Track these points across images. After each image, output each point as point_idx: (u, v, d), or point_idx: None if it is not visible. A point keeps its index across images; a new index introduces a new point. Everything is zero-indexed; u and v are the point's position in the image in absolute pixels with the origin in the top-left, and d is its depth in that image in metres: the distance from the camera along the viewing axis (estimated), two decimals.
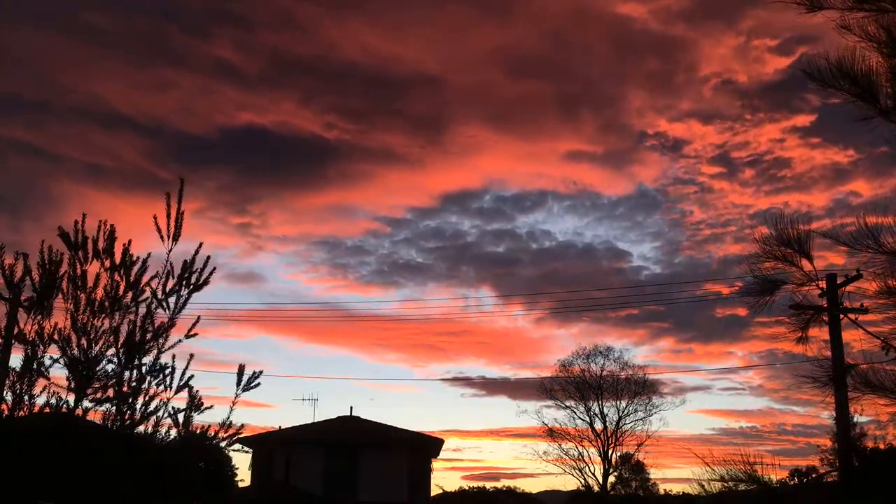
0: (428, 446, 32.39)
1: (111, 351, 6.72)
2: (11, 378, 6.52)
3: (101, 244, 6.78)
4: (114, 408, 6.68)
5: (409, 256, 61.37)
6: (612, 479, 45.01)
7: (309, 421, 32.89)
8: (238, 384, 7.15)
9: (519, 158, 61.56)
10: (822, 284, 13.18)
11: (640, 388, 44.09)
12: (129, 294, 6.83)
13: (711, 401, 76.22)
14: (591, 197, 60.76)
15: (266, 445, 29.44)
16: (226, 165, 57.45)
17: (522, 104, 56.00)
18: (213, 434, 6.97)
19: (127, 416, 6.68)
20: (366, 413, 39.83)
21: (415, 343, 61.27)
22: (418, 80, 52.76)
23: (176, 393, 6.82)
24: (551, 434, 44.96)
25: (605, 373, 44.79)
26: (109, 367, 6.72)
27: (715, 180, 56.57)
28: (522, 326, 59.91)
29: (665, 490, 45.76)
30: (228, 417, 7.05)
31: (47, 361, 6.60)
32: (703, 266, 59.51)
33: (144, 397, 6.73)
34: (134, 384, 6.72)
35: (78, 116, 50.08)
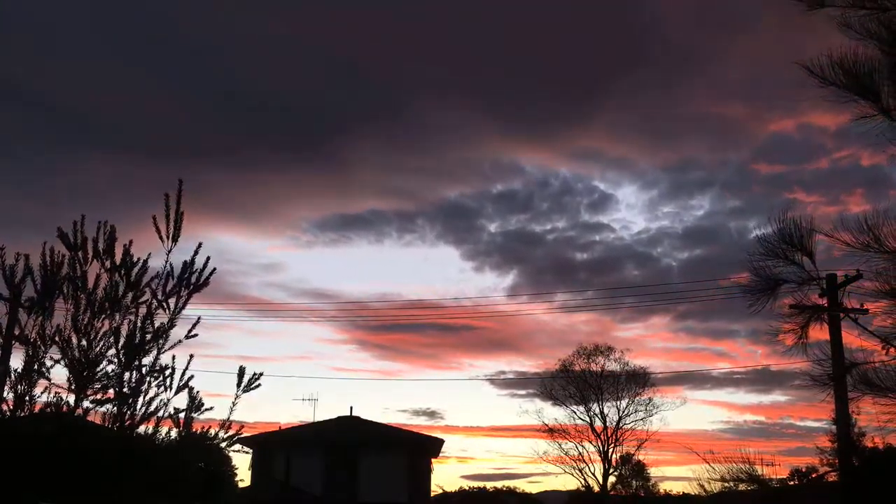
0: (428, 446, 32.38)
1: (111, 351, 6.70)
2: (12, 379, 6.51)
3: (100, 245, 6.76)
4: (114, 408, 6.66)
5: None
6: (612, 479, 45.04)
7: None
8: (238, 385, 7.13)
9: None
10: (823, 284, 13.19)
11: (640, 385, 44.01)
12: (130, 295, 6.81)
13: (712, 391, 71.70)
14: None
15: (266, 445, 29.43)
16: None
17: None
18: (213, 434, 6.96)
19: (127, 417, 6.66)
20: (363, 413, 39.80)
21: (380, 326, 56.23)
22: None
23: (176, 393, 6.80)
24: (550, 432, 44.99)
25: (605, 373, 44.79)
26: (110, 367, 6.70)
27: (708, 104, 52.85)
28: (498, 301, 56.38)
29: (665, 490, 45.80)
30: (228, 418, 7.04)
31: (48, 362, 6.59)
32: (696, 217, 56.80)
33: (144, 398, 6.72)
34: (134, 385, 6.70)
35: None
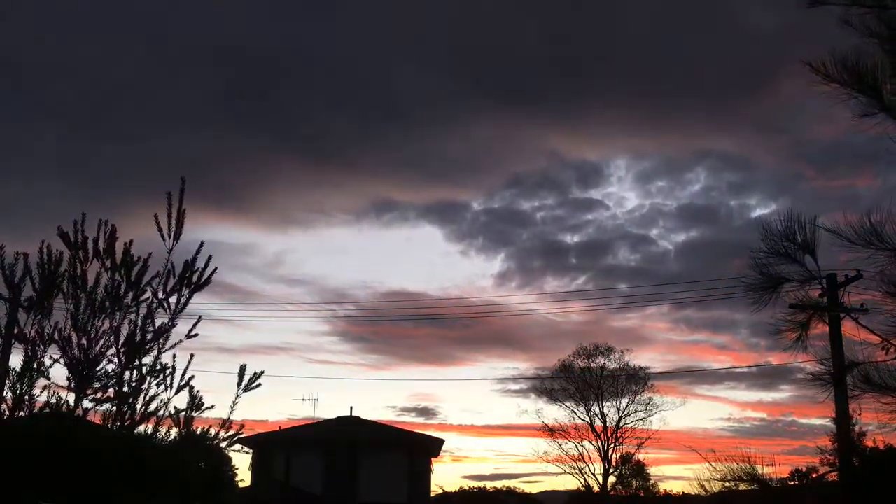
0: (428, 446, 32.37)
1: (111, 351, 6.69)
2: (11, 378, 6.49)
3: (101, 244, 6.74)
4: (114, 408, 6.65)
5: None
6: (612, 479, 45.01)
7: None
8: (239, 384, 7.12)
9: None
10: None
11: (641, 385, 43.97)
12: (130, 294, 6.79)
13: (713, 386, 70.14)
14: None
15: (266, 445, 29.42)
16: None
17: None
18: (213, 434, 6.95)
19: (127, 417, 6.65)
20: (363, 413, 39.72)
21: (365, 318, 53.93)
22: None
23: (176, 393, 6.79)
24: (550, 432, 44.95)
25: (605, 373, 44.72)
26: (110, 367, 6.69)
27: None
28: (489, 292, 53.73)
29: (665, 490, 45.78)
30: (229, 417, 7.03)
31: (47, 361, 6.58)
32: (692, 193, 54.02)
33: (144, 397, 6.70)
34: (134, 384, 6.69)
35: None
